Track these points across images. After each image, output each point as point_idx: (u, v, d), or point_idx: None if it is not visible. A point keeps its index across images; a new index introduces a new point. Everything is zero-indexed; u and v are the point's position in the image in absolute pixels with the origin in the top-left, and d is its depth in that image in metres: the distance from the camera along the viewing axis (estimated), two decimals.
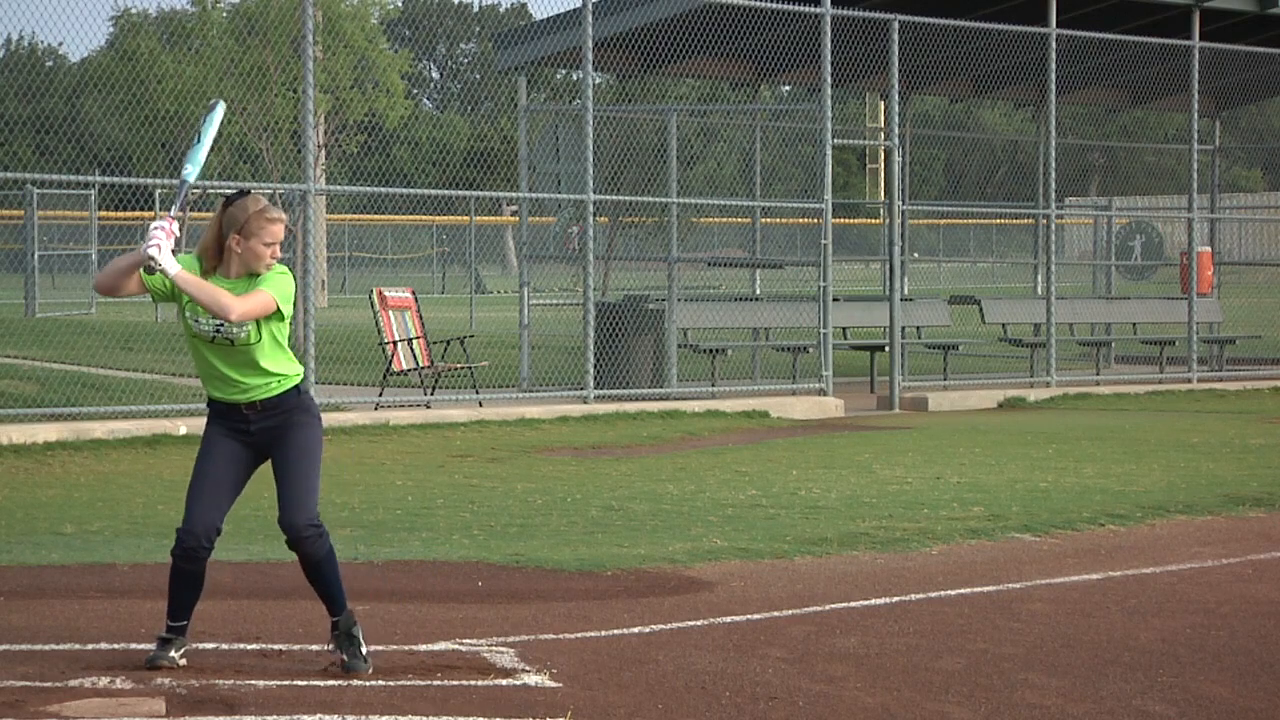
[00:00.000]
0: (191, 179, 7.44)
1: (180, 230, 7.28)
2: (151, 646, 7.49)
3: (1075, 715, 6.98)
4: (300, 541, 7.41)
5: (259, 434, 7.43)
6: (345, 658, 7.41)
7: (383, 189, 21.00)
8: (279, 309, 7.35)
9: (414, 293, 19.44)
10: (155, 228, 7.15)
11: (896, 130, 21.88)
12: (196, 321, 7.34)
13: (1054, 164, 23.08)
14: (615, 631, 8.32)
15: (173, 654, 7.36)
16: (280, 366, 7.45)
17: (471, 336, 20.93)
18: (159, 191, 31.28)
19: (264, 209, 7.32)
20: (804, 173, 23.19)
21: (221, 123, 7.65)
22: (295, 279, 7.63)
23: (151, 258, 7.12)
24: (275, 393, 7.43)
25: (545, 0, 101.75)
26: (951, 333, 25.24)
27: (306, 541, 7.41)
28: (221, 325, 7.32)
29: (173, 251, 7.19)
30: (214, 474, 7.42)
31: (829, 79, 20.61)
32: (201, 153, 7.48)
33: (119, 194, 29.66)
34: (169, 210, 7.29)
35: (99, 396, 17.22)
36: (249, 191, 7.45)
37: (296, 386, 7.49)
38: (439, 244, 50.84)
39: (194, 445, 15.33)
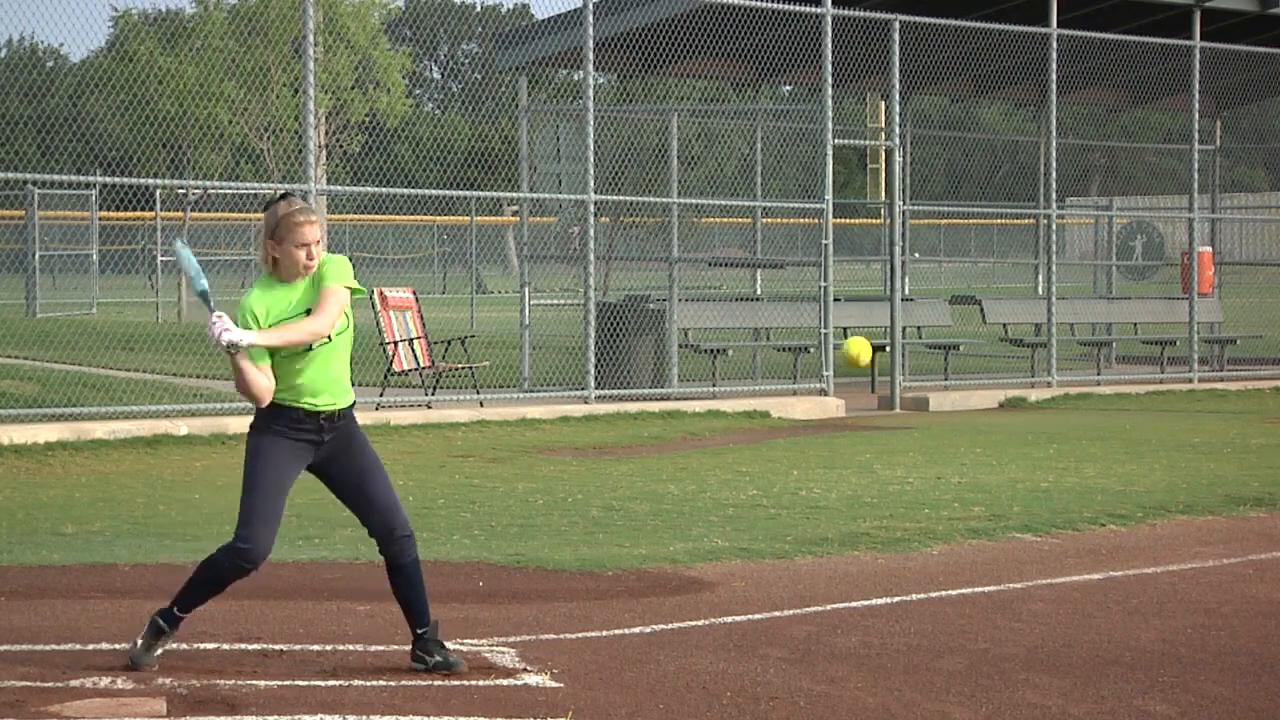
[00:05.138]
0: (207, 288, 7.24)
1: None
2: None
3: (1076, 715, 6.98)
4: (405, 544, 7.34)
5: (329, 443, 7.31)
6: (437, 659, 7.32)
7: (384, 189, 20.99)
8: (353, 290, 7.25)
9: (415, 293, 19.44)
10: (210, 326, 6.96)
11: (897, 130, 21.89)
12: None
13: (1055, 164, 23.08)
14: (616, 631, 8.31)
15: (158, 652, 7.30)
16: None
17: (472, 337, 20.93)
18: (159, 191, 31.29)
19: (291, 212, 7.14)
20: (804, 173, 23.18)
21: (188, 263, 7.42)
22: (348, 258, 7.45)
23: (232, 344, 6.97)
24: (351, 400, 7.40)
25: (547, 0, 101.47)
26: (952, 333, 25.23)
27: (408, 542, 7.35)
28: None
29: (230, 319, 7.04)
30: (278, 489, 7.21)
31: (830, 79, 20.60)
32: (195, 276, 7.31)
33: (120, 194, 29.66)
34: (209, 310, 7.07)
35: (100, 397, 17.21)
36: (287, 194, 7.28)
37: None
38: (440, 244, 50.85)
39: (194, 446, 15.52)
